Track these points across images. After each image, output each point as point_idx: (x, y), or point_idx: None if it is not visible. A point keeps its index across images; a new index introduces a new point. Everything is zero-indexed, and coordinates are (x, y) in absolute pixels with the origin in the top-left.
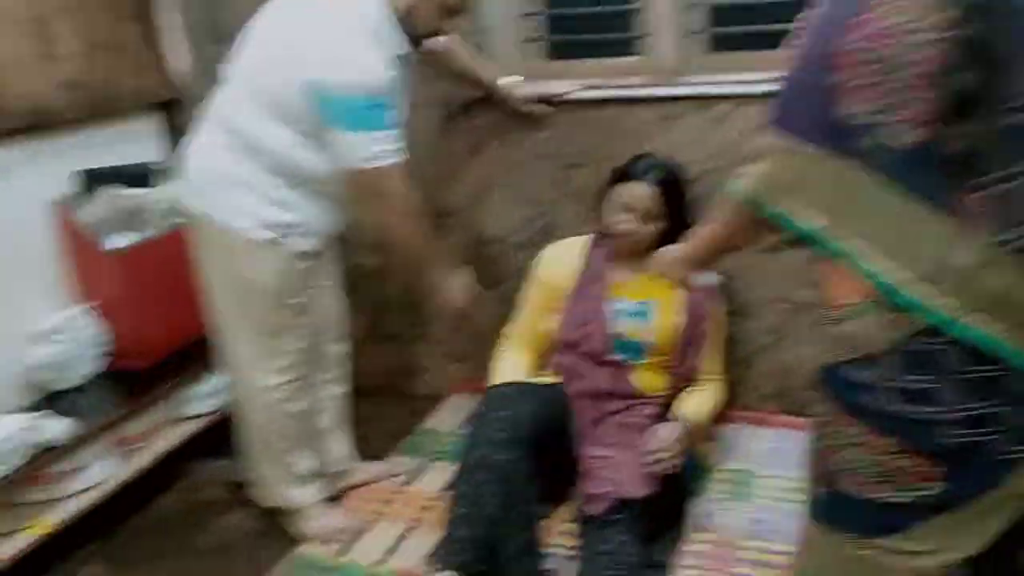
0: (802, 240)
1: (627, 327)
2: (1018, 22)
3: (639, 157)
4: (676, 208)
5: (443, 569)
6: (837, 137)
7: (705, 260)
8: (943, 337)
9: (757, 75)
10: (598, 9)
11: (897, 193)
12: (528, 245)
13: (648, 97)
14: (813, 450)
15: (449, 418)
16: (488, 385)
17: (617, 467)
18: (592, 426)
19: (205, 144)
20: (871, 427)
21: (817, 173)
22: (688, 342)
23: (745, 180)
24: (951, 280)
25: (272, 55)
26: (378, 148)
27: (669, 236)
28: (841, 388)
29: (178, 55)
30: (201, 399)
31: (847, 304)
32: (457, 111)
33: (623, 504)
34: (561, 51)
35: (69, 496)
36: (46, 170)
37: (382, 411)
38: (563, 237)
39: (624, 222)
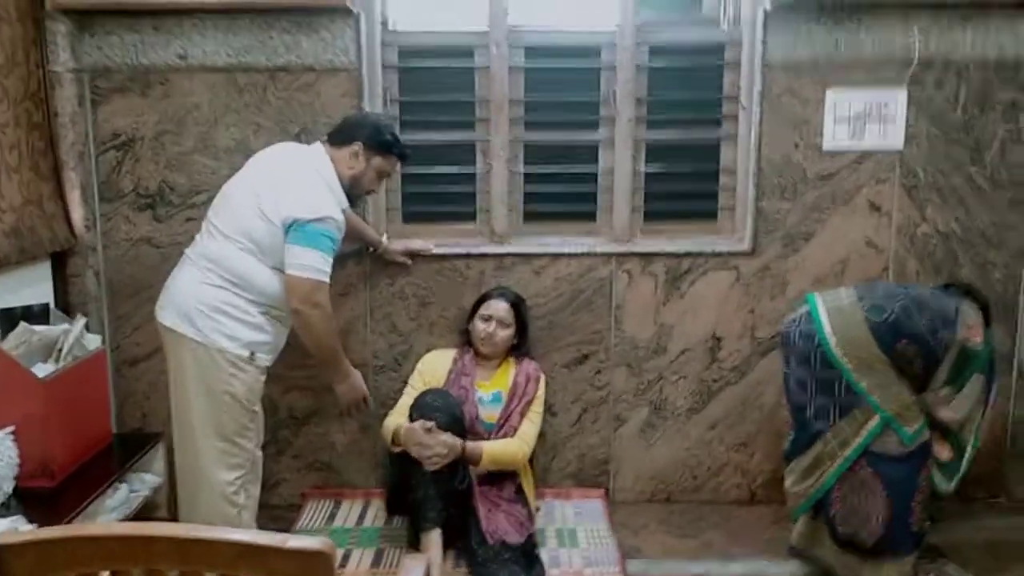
0: None
1: (487, 411)
2: None
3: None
4: (521, 321)
5: (431, 528)
6: None
7: None
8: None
9: (563, 239)
10: (442, 188)
11: None
12: (386, 369)
13: (485, 254)
14: None
15: (317, 517)
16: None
17: (498, 518)
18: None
19: (193, 279)
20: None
21: None
22: (509, 410)
23: None
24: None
25: (255, 206)
26: (320, 265)
27: (517, 343)
28: None
29: (75, 210)
30: (109, 512)
31: None
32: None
33: (506, 545)
34: (414, 218)
35: None
36: None
37: None
38: (419, 358)
39: (488, 328)
